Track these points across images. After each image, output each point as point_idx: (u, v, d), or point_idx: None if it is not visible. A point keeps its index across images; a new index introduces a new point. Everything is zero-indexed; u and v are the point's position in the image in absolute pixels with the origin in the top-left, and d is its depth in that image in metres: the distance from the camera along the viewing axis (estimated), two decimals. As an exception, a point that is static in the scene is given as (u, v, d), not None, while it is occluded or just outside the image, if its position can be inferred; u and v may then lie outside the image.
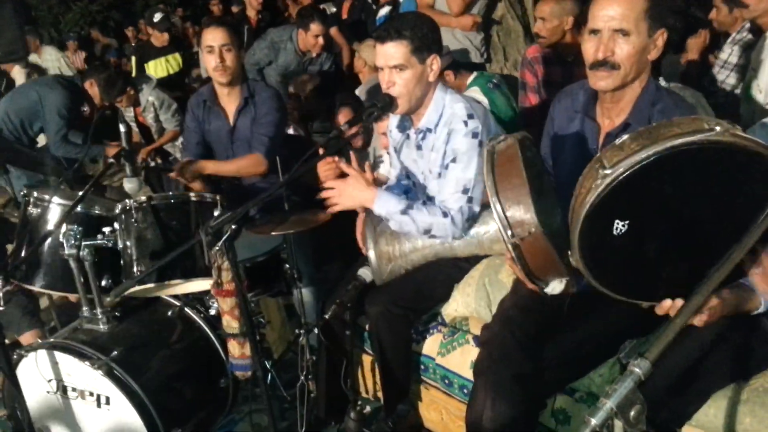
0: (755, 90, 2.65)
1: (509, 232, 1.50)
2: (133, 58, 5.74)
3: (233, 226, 1.75)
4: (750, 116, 2.61)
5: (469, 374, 2.10)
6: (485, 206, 2.17)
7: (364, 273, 2.25)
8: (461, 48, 3.62)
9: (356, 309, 2.19)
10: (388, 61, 2.09)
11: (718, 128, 1.18)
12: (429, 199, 2.26)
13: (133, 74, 5.58)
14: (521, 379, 1.74)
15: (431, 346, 2.29)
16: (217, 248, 1.76)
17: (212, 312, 2.35)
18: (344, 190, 2.19)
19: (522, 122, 3.21)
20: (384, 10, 4.45)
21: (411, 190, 2.39)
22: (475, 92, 3.16)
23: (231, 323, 1.89)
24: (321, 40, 4.36)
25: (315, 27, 4.31)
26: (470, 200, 2.11)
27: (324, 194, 2.23)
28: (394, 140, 2.42)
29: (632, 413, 0.97)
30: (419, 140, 2.26)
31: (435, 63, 2.12)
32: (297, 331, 2.44)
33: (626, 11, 1.63)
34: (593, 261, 1.34)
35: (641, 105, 1.74)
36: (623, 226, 1.26)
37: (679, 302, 1.35)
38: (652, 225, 1.28)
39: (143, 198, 2.12)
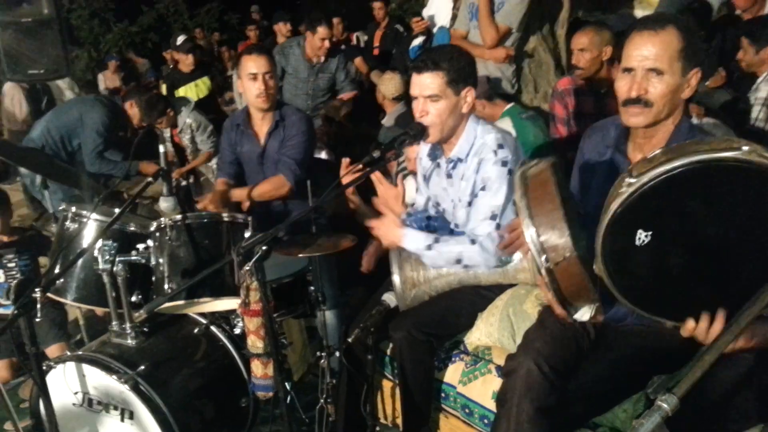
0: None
1: (544, 257, 1.50)
2: (164, 86, 5.90)
3: (264, 247, 1.78)
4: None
5: (490, 404, 2.09)
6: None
7: (389, 298, 2.26)
8: (494, 79, 3.66)
9: (379, 334, 2.21)
10: (423, 91, 2.14)
11: (746, 147, 1.19)
12: (456, 227, 2.28)
13: None
14: (545, 412, 1.73)
15: (453, 374, 2.29)
16: (247, 268, 1.80)
17: (237, 331, 2.38)
18: (380, 229, 2.27)
19: (551, 154, 3.22)
20: (417, 40, 4.53)
21: (437, 219, 2.41)
22: (506, 122, 3.19)
23: (256, 343, 1.91)
24: (327, 43, 4.43)
25: (322, 30, 4.39)
26: (498, 227, 2.13)
27: (372, 226, 2.31)
28: (424, 168, 2.45)
29: (659, 450, 0.96)
30: (450, 169, 2.29)
31: (469, 95, 2.17)
32: (318, 353, 2.46)
33: (661, 51, 1.66)
34: (615, 270, 1.34)
35: (674, 142, 1.75)
36: (647, 236, 1.27)
37: (704, 324, 1.34)
38: (676, 239, 1.28)
39: (178, 217, 2.17)
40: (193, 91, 5.66)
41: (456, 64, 2.12)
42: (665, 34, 1.66)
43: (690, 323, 1.36)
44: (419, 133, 2.13)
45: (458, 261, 2.16)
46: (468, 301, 2.25)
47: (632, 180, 1.25)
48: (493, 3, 3.50)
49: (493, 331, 2.23)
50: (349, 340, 2.19)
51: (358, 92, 4.74)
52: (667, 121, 1.75)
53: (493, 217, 2.14)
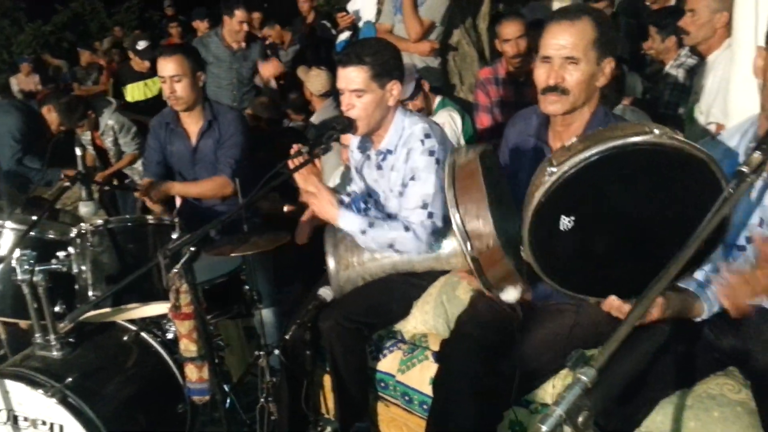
0: (697, 112, 2.80)
1: (469, 245, 1.55)
2: (110, 81, 5.66)
3: (192, 248, 1.75)
4: (693, 137, 2.74)
5: (428, 390, 2.12)
6: (446, 221, 2.22)
7: (324, 292, 2.26)
8: (422, 70, 3.70)
9: (316, 328, 2.20)
10: (348, 85, 2.15)
11: (656, 131, 1.25)
12: (389, 217, 2.31)
13: (110, 96, 5.52)
14: (479, 393, 1.77)
15: (391, 363, 2.31)
16: (176, 271, 1.76)
17: (169, 336, 2.33)
18: (315, 203, 2.25)
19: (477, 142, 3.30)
20: (344, 36, 4.52)
21: (370, 208, 2.43)
22: (451, 111, 3.23)
23: (189, 347, 1.87)
24: (245, 26, 4.38)
25: (239, 13, 4.33)
26: (430, 215, 2.16)
27: (303, 197, 2.30)
28: (356, 160, 2.47)
29: (580, 419, 1.00)
30: (380, 161, 2.31)
31: (395, 88, 2.18)
32: (257, 352, 2.43)
33: (576, 40, 1.73)
34: (542, 255, 1.40)
35: (591, 129, 1.83)
36: (570, 222, 1.32)
37: (625, 307, 1.41)
38: (598, 223, 1.34)
39: (99, 221, 2.10)
40: (142, 90, 5.46)
41: (380, 57, 2.13)
42: (580, 24, 1.73)
43: (611, 299, 1.43)
44: (346, 127, 2.14)
45: (391, 246, 2.19)
46: (400, 290, 2.28)
47: (553, 169, 1.31)
48: (417, -3, 3.55)
49: (429, 319, 2.27)
50: (287, 337, 2.18)
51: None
52: (583, 108, 1.82)
53: (424, 206, 2.17)
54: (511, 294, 1.65)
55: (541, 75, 1.79)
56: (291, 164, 2.10)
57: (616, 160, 1.26)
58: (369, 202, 2.43)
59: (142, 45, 5.45)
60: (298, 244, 2.68)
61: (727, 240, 1.46)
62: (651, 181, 1.29)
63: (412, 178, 2.18)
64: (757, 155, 1.11)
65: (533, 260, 1.42)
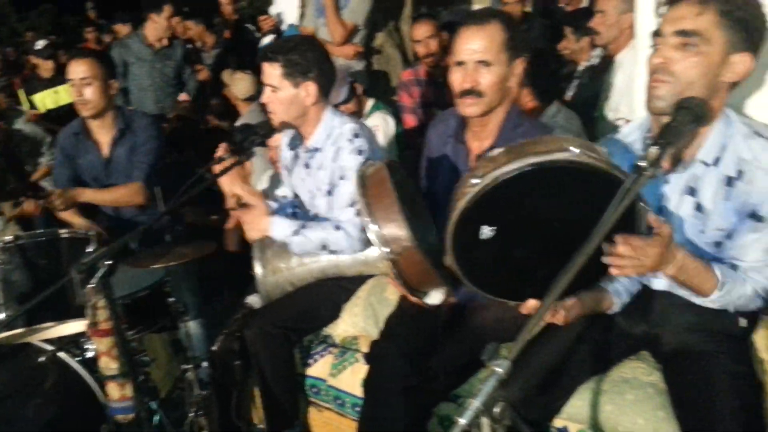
0: (607, 109, 2.94)
1: (386, 249, 1.57)
2: (20, 91, 5.36)
3: (108, 262, 1.69)
4: (604, 133, 2.88)
5: (360, 392, 2.13)
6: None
7: (252, 300, 2.24)
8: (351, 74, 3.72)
9: (245, 337, 2.17)
10: (265, 80, 2.19)
11: (575, 149, 1.31)
12: (317, 220, 2.30)
13: (25, 107, 5.23)
14: (408, 391, 1.79)
15: (322, 368, 2.30)
16: (92, 286, 1.69)
17: (89, 354, 2.23)
18: (247, 220, 2.24)
19: (404, 143, 3.34)
20: (267, 39, 4.47)
21: (299, 212, 2.42)
22: (385, 114, 3.25)
23: (109, 364, 1.81)
24: (173, 23, 4.35)
25: (168, 8, 4.28)
26: (359, 213, 2.17)
27: (229, 203, 2.28)
28: (286, 158, 2.46)
29: (497, 410, 1.04)
30: (308, 159, 2.31)
31: (311, 89, 2.18)
32: (183, 366, 2.37)
33: (487, 44, 1.78)
34: (465, 262, 1.44)
35: (506, 129, 1.90)
36: (491, 231, 1.37)
37: (534, 303, 1.48)
38: (517, 232, 1.40)
39: (9, 238, 2.00)
40: (52, 98, 5.19)
41: (295, 56, 2.14)
42: (490, 27, 1.78)
43: (530, 302, 1.51)
44: (269, 132, 2.13)
45: (324, 246, 2.19)
46: (329, 294, 2.28)
47: (476, 180, 1.35)
48: (339, 0, 3.56)
49: (358, 321, 2.27)
50: (214, 348, 2.14)
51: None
52: (498, 109, 1.88)
53: (353, 204, 2.18)
54: (434, 297, 1.69)
55: (457, 79, 1.84)
56: (215, 169, 2.06)
57: (535, 176, 1.32)
58: (297, 204, 2.42)
59: (40, 44, 5.20)
60: (226, 252, 2.64)
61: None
62: (568, 193, 1.35)
63: (342, 177, 2.19)
64: (653, 150, 1.18)
65: (456, 266, 1.46)
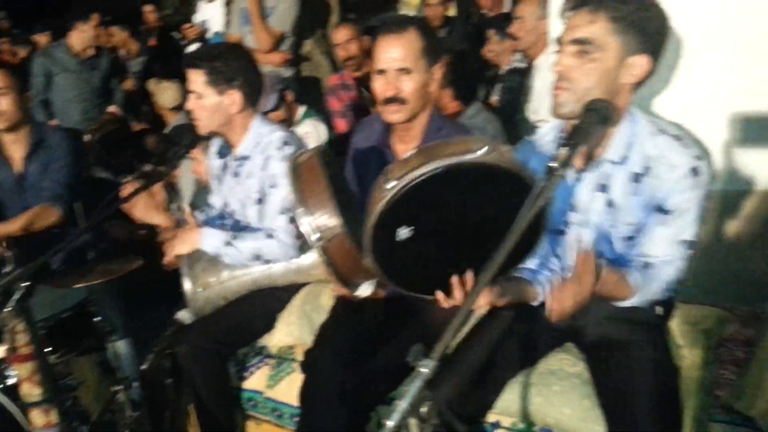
0: (529, 112, 3.05)
1: (316, 236, 1.58)
2: None
3: (25, 284, 1.62)
4: (527, 135, 2.98)
5: (298, 402, 2.12)
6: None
7: (183, 315, 2.19)
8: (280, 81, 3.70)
9: (176, 355, 2.12)
10: (189, 86, 2.17)
11: (483, 150, 1.36)
12: (248, 230, 2.28)
13: None
14: (345, 396, 1.79)
15: (259, 380, 2.27)
16: (8, 310, 1.62)
17: (10, 381, 2.12)
18: (178, 241, 2.20)
19: (336, 148, 3.35)
20: (192, 47, 4.40)
21: (228, 224, 2.39)
22: (316, 121, 3.24)
23: (32, 390, 1.74)
24: (99, 30, 4.31)
25: (96, 17, 4.20)
26: (292, 219, 2.16)
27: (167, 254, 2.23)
28: (215, 167, 2.43)
29: (424, 410, 1.06)
30: (237, 167, 2.29)
31: (236, 96, 2.16)
32: (113, 387, 2.30)
33: (406, 52, 1.82)
34: (384, 262, 1.47)
35: (429, 132, 1.94)
36: (409, 232, 1.40)
37: (458, 294, 1.52)
38: (434, 231, 1.44)
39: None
40: None
41: (219, 64, 2.11)
42: (407, 35, 1.82)
43: (439, 294, 1.54)
44: (192, 142, 2.09)
45: (258, 256, 2.17)
46: (262, 304, 2.25)
47: (392, 183, 1.38)
48: (264, 8, 3.55)
49: (294, 330, 2.26)
50: (144, 367, 2.08)
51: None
52: (421, 113, 1.92)
53: (285, 212, 2.17)
54: (365, 289, 1.71)
55: (379, 87, 1.87)
56: (124, 192, 2.03)
57: (447, 176, 1.36)
58: (226, 215, 2.39)
59: None
60: (155, 267, 2.57)
61: (550, 227, 1.60)
62: (480, 192, 1.40)
63: (272, 186, 2.18)
64: (563, 151, 1.23)
65: (377, 267, 1.48)
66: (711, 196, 2.12)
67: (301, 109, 3.32)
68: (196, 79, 2.12)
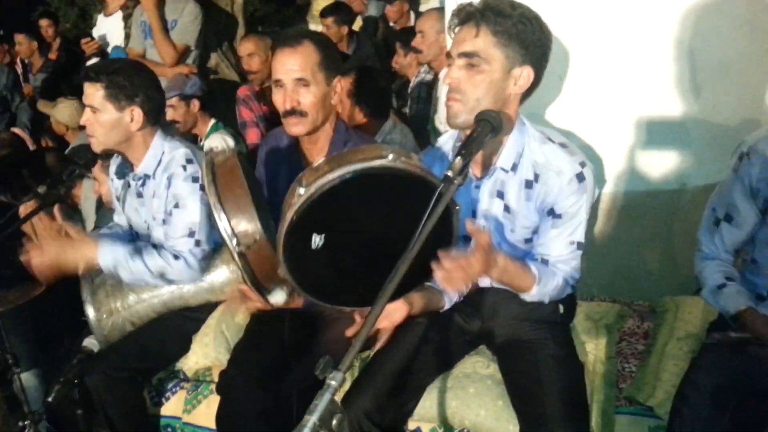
0: (437, 122, 3.13)
1: (235, 242, 1.55)
2: None
3: None
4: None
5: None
6: (215, 250, 2.18)
7: (90, 343, 2.09)
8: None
9: (85, 384, 2.02)
10: (85, 100, 2.07)
11: (390, 156, 1.38)
12: (155, 247, 2.20)
13: None
14: (263, 414, 1.77)
15: (175, 405, 2.20)
16: None
17: None
18: (55, 249, 2.02)
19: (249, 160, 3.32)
20: (92, 62, 4.23)
21: (135, 240, 2.30)
22: (225, 134, 3.17)
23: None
24: None
25: None
26: (198, 243, 2.11)
27: (29, 257, 2.02)
28: (116, 189, 2.33)
29: (334, 422, 1.06)
30: (139, 187, 2.20)
31: (137, 113, 2.08)
32: (22, 423, 2.15)
33: (302, 64, 1.83)
34: (298, 272, 1.45)
35: (336, 144, 1.95)
36: (321, 240, 1.39)
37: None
38: (346, 239, 1.43)
39: None
40: None
41: (119, 79, 2.04)
42: (303, 48, 1.84)
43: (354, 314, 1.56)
44: (90, 161, 2.01)
45: (162, 275, 2.08)
46: (175, 327, 2.18)
47: (301, 190, 1.37)
48: (166, 21, 3.47)
49: (210, 351, 2.19)
50: (49, 399, 1.96)
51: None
52: (325, 127, 1.94)
53: (191, 234, 2.10)
54: (279, 296, 1.68)
55: (279, 100, 1.87)
56: (22, 211, 1.91)
57: (356, 182, 1.36)
58: (132, 234, 2.30)
59: None
60: (63, 293, 2.45)
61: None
62: (389, 199, 1.41)
63: (176, 206, 2.11)
64: (458, 160, 1.28)
65: (290, 277, 1.46)
66: (612, 198, 2.29)
67: (210, 123, 3.27)
68: (94, 93, 2.03)
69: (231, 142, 3.18)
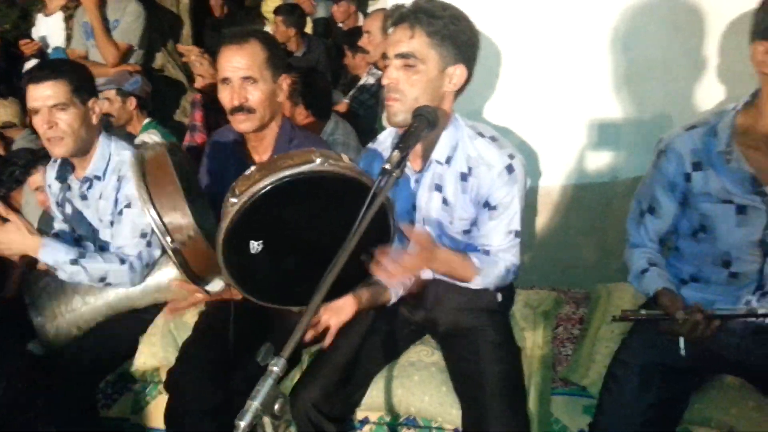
0: (384, 122, 3.17)
1: (168, 239, 1.55)
2: None
3: None
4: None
5: (167, 424, 2.07)
6: (163, 251, 2.18)
7: (34, 346, 2.06)
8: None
9: (32, 388, 1.99)
10: (46, 102, 1.99)
11: (319, 160, 1.42)
12: (102, 249, 2.19)
13: None
14: (212, 412, 1.78)
15: (124, 406, 2.20)
16: None
17: None
18: (6, 235, 2.00)
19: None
20: (30, 64, 4.11)
21: (79, 243, 2.27)
22: (154, 134, 3.14)
23: None
24: None
25: None
26: (149, 244, 2.11)
27: None
28: (55, 194, 2.29)
29: (276, 407, 1.09)
30: (85, 190, 2.18)
31: (96, 107, 2.10)
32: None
33: (249, 61, 1.85)
34: (242, 278, 1.48)
35: (281, 142, 1.98)
36: (259, 245, 1.42)
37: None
38: (285, 242, 1.47)
39: None
40: None
41: (79, 73, 2.06)
42: (249, 46, 1.86)
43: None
44: (30, 161, 1.98)
45: (102, 279, 2.07)
46: (121, 329, 2.17)
47: (235, 200, 1.40)
48: (108, 21, 3.42)
49: (158, 351, 2.19)
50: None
51: None
52: (271, 124, 1.96)
53: (143, 235, 2.10)
54: (216, 285, 1.69)
55: (225, 97, 1.88)
56: None
57: (288, 188, 1.39)
58: (76, 237, 2.27)
59: None
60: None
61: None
62: (324, 200, 1.45)
63: (128, 206, 2.10)
64: (395, 154, 1.33)
65: (234, 283, 1.49)
66: (548, 192, 2.38)
67: (146, 121, 3.24)
68: (58, 90, 1.98)
69: (157, 139, 3.15)
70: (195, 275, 1.65)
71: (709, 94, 2.18)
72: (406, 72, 1.60)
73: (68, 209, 2.25)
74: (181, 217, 1.58)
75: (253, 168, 1.45)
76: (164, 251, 2.17)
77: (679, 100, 2.25)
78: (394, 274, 1.43)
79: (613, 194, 2.32)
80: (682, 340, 1.51)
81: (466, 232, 1.76)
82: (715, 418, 1.67)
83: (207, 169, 2.14)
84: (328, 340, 1.76)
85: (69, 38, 3.71)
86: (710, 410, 1.67)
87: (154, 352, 2.19)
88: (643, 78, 2.26)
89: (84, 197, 2.19)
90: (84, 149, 2.12)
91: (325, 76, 3.19)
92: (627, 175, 2.31)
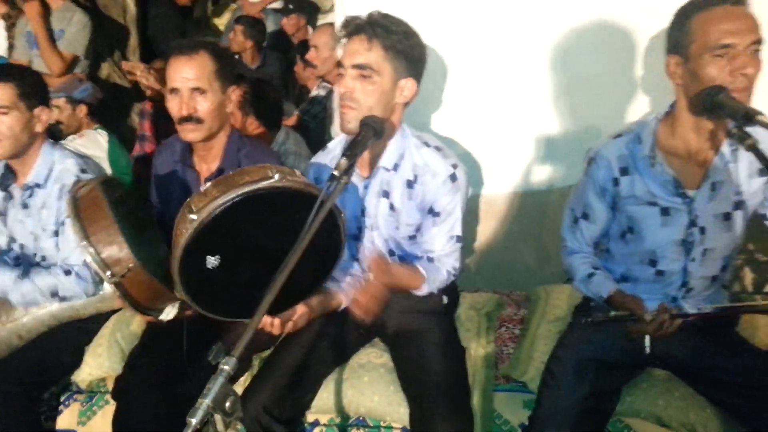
0: (334, 133, 3.23)
1: (108, 273, 1.56)
2: None
3: None
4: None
5: (114, 434, 2.05)
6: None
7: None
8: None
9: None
10: None
11: (277, 176, 1.47)
12: (43, 260, 2.16)
13: None
14: (159, 420, 1.78)
15: (69, 418, 2.16)
16: None
17: None
18: None
19: (138, 170, 3.27)
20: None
21: (19, 255, 2.23)
22: (101, 134, 3.10)
23: None
24: None
25: None
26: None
27: None
28: None
29: (227, 404, 1.12)
30: (26, 198, 2.15)
31: (44, 114, 2.10)
32: None
33: (198, 72, 1.89)
34: (197, 293, 1.51)
35: (229, 152, 2.01)
36: (216, 260, 1.46)
37: (276, 321, 1.64)
38: (241, 256, 1.50)
39: None
40: None
41: (27, 79, 2.07)
42: (199, 57, 1.89)
43: (266, 319, 1.63)
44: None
45: (54, 294, 2.06)
46: (66, 339, 2.14)
47: (193, 216, 1.43)
48: (53, 31, 3.38)
49: (104, 361, 2.17)
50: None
51: None
52: (220, 134, 2.00)
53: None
54: (168, 313, 1.71)
55: (174, 107, 1.91)
56: None
57: (245, 204, 1.44)
58: (14, 249, 2.23)
59: None
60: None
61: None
62: (278, 215, 1.50)
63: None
64: (343, 161, 1.39)
65: (189, 299, 1.51)
66: (489, 200, 2.48)
67: (94, 127, 3.20)
68: (4, 92, 2.01)
69: (103, 143, 3.12)
70: (140, 305, 1.66)
71: (636, 107, 2.33)
72: (362, 82, 1.67)
73: (10, 218, 2.22)
74: (119, 251, 1.59)
75: (208, 185, 1.49)
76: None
77: (609, 113, 2.39)
78: (366, 303, 1.54)
79: (548, 202, 2.44)
80: (647, 338, 1.61)
81: (411, 237, 1.84)
82: (645, 409, 1.77)
83: (155, 179, 2.15)
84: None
85: (11, 47, 3.64)
86: (640, 402, 1.77)
87: (100, 363, 2.17)
88: (578, 93, 2.39)
89: (25, 206, 2.16)
90: (22, 153, 2.11)
91: (275, 87, 3.23)
92: (562, 184, 2.42)
